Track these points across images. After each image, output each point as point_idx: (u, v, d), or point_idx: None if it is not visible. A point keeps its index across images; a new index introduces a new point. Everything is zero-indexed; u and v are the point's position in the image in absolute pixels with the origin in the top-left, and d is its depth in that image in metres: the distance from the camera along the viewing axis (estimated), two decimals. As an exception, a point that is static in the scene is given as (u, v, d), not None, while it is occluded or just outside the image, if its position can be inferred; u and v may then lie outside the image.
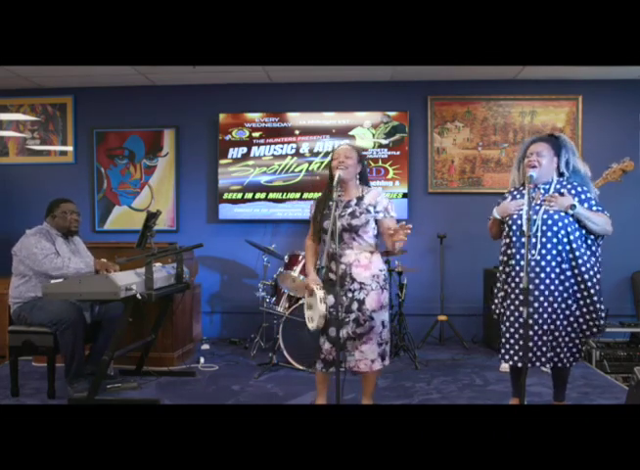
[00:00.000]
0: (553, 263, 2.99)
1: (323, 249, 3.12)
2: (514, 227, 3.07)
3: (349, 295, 3.05)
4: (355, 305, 3.05)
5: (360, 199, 3.11)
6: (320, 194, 3.35)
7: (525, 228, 2.95)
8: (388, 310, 3.17)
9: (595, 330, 3.06)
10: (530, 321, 3.01)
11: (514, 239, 3.07)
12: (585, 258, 3.01)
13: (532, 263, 2.99)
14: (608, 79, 5.35)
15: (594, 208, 3.02)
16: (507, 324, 3.11)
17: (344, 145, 3.24)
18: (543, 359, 3.03)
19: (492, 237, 3.31)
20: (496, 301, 3.25)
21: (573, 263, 3.00)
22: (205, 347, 5.16)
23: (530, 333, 3.01)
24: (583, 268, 3.00)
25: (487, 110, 5.48)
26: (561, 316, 3.01)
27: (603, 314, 3.04)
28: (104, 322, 3.95)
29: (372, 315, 3.06)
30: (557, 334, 3.02)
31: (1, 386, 3.93)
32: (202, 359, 4.62)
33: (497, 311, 3.24)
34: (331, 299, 3.05)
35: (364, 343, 3.07)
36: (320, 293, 3.00)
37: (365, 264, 3.07)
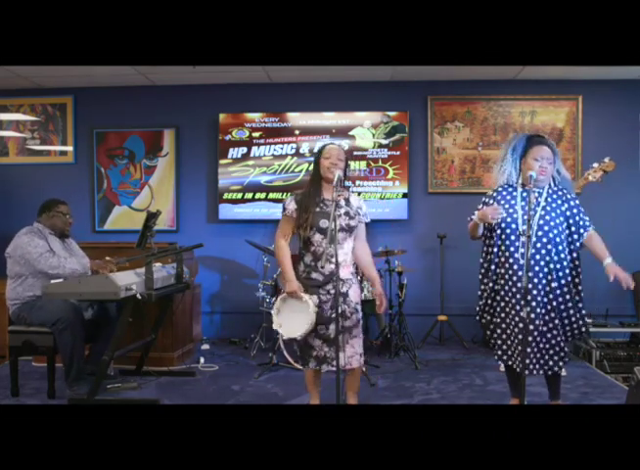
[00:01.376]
0: (545, 270, 3.00)
1: (311, 249, 3.08)
2: (507, 231, 3.03)
3: (332, 291, 3.01)
4: (340, 299, 3.02)
5: (348, 200, 3.14)
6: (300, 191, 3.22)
7: (521, 230, 2.96)
8: None
9: (580, 332, 3.11)
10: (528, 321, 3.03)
11: (507, 242, 3.03)
12: (576, 261, 3.06)
13: (531, 264, 2.99)
14: (608, 79, 5.35)
15: (581, 214, 3.06)
16: (503, 326, 3.10)
17: (335, 145, 3.22)
18: (537, 366, 3.03)
19: (472, 238, 3.22)
20: (481, 305, 3.23)
21: (566, 269, 3.03)
22: (205, 347, 5.16)
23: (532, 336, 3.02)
24: (574, 272, 3.06)
25: (487, 110, 5.48)
26: (554, 320, 3.02)
27: (585, 318, 3.10)
28: (103, 322, 3.94)
29: (356, 307, 3.10)
30: (549, 336, 3.02)
31: (1, 386, 3.93)
32: (202, 359, 4.62)
33: (485, 316, 3.24)
34: (314, 299, 3.05)
35: (354, 337, 3.08)
36: (311, 301, 2.99)
37: (348, 264, 3.13)
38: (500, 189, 3.16)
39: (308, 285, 3.07)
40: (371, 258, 3.26)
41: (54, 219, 3.90)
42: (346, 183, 3.30)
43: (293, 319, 3.03)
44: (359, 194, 5.23)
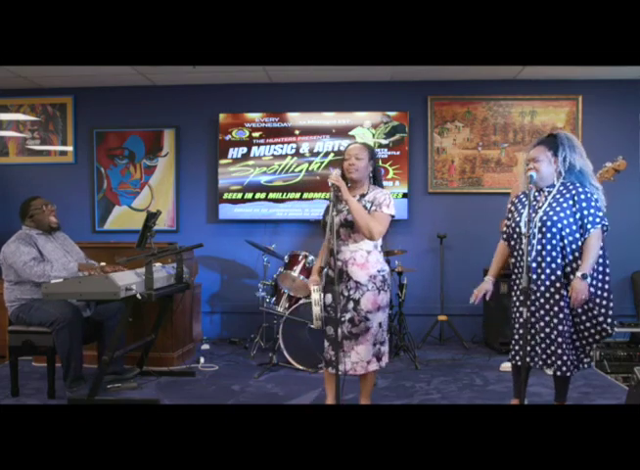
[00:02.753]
0: (553, 265, 2.99)
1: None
2: (517, 229, 3.07)
3: (345, 293, 3.02)
4: (351, 305, 3.03)
5: (363, 196, 3.09)
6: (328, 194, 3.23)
7: (524, 230, 2.96)
8: (386, 312, 3.14)
9: (598, 336, 2.99)
10: (533, 320, 3.03)
11: (518, 241, 3.07)
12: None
13: (534, 265, 2.99)
14: (608, 79, 5.35)
15: (591, 209, 2.95)
16: (516, 326, 3.13)
17: (356, 144, 3.16)
18: (541, 362, 3.04)
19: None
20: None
21: (574, 265, 2.97)
22: (206, 347, 5.16)
23: (532, 333, 3.03)
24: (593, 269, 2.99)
25: (487, 110, 5.48)
26: (563, 320, 2.98)
27: (609, 320, 2.96)
28: (106, 322, 3.94)
29: (367, 316, 3.03)
30: (554, 336, 2.99)
31: (1, 386, 3.93)
32: (202, 359, 4.62)
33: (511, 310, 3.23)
34: (329, 297, 3.05)
35: (360, 343, 3.05)
36: (315, 295, 3.00)
37: (361, 263, 3.04)
38: (519, 194, 3.25)
39: (326, 282, 3.08)
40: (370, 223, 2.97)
41: (35, 218, 3.87)
42: (382, 181, 3.21)
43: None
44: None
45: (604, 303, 2.97)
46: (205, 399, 3.71)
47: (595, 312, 2.96)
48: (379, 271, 3.07)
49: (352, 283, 3.04)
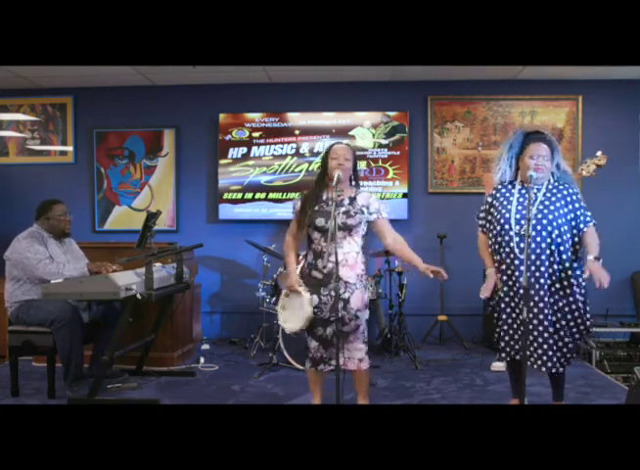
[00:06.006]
0: (547, 263, 3.00)
1: (312, 247, 3.11)
2: (506, 227, 3.05)
3: (333, 293, 3.03)
4: (340, 305, 3.03)
5: (353, 199, 3.13)
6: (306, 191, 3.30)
7: (515, 228, 2.99)
8: (368, 310, 3.19)
9: (582, 333, 3.08)
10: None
11: (506, 238, 3.05)
12: (574, 258, 3.04)
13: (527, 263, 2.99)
14: (608, 79, 5.35)
15: (582, 210, 3.03)
16: (509, 321, 3.12)
17: (343, 145, 3.23)
18: (539, 362, 3.03)
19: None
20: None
21: (567, 264, 3.00)
22: (206, 347, 5.16)
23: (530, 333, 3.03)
24: (573, 269, 3.03)
25: (487, 110, 5.48)
26: (552, 317, 3.01)
27: (589, 315, 3.05)
28: (104, 322, 3.94)
29: (357, 314, 3.08)
30: (546, 335, 3.00)
31: (1, 386, 3.93)
32: (202, 359, 4.62)
33: (497, 308, 3.23)
34: (315, 298, 3.06)
35: (350, 341, 3.08)
36: (307, 295, 3.01)
37: (351, 264, 3.08)
38: (499, 187, 3.19)
39: (310, 283, 3.08)
40: (407, 247, 3.14)
41: (52, 222, 3.85)
42: (360, 183, 3.27)
43: (295, 315, 3.07)
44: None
45: (586, 299, 3.05)
46: (205, 399, 3.71)
47: (582, 311, 3.03)
48: (363, 270, 3.14)
49: (342, 283, 3.04)
